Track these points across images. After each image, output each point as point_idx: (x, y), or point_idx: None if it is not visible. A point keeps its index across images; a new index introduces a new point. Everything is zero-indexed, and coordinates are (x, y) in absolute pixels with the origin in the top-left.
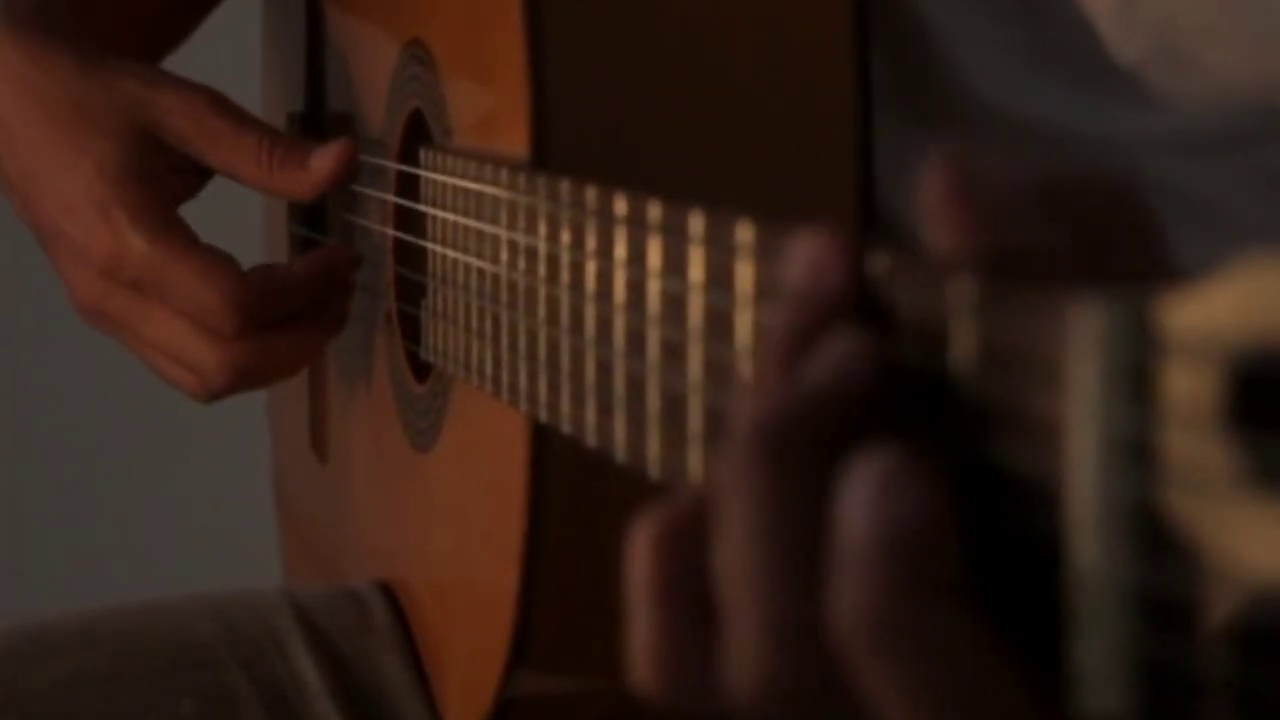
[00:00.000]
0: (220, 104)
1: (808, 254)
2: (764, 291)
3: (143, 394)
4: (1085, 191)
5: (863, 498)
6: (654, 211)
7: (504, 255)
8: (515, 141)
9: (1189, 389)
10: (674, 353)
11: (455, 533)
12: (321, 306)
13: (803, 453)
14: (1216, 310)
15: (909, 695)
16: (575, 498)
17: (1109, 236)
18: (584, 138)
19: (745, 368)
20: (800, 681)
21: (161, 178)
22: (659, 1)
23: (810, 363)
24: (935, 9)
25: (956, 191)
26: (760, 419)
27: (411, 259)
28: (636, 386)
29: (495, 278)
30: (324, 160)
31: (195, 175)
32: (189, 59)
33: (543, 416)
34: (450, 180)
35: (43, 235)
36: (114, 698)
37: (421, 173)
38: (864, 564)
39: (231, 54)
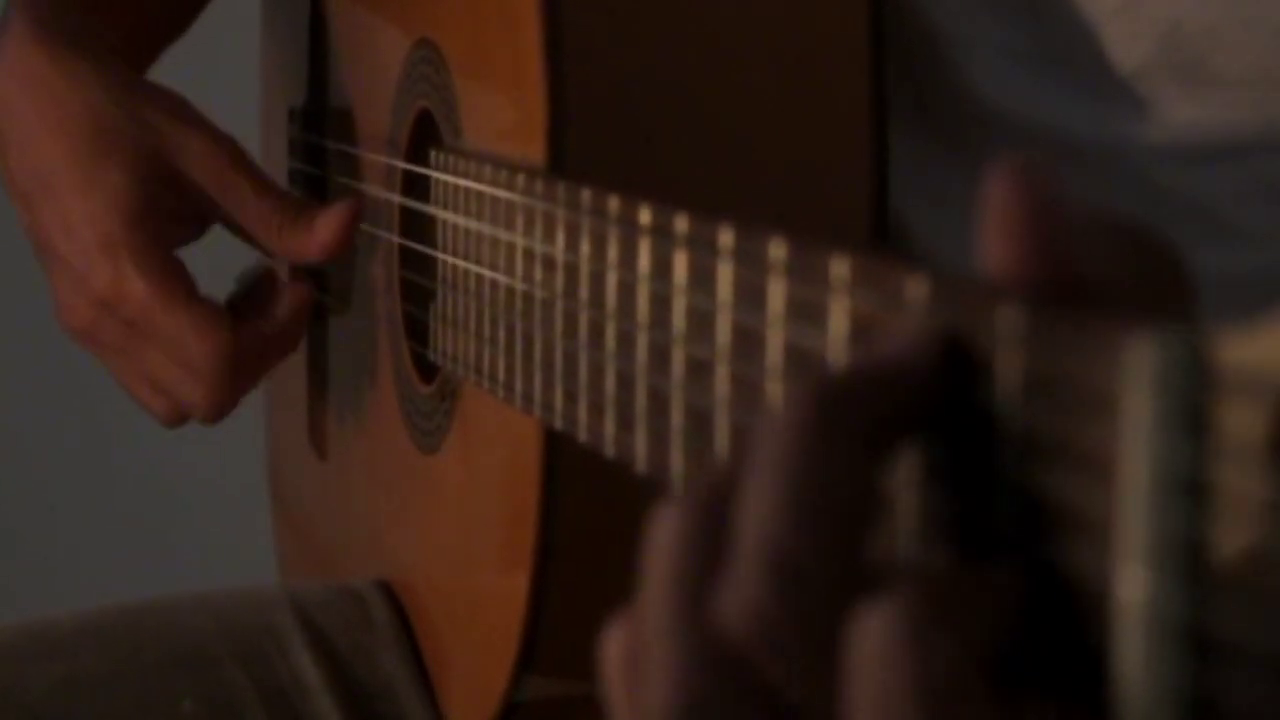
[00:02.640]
0: (243, 159)
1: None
2: (795, 311)
3: None
4: (1145, 238)
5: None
6: (681, 224)
7: (519, 262)
8: (531, 145)
9: (1243, 425)
10: (700, 370)
11: (462, 534)
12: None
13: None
14: (1272, 349)
15: None
16: (587, 501)
17: (1159, 287)
18: (600, 143)
19: (775, 387)
20: (794, 638)
21: (168, 219)
22: (677, 7)
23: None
24: (942, 14)
25: (1023, 210)
26: (819, 386)
27: (417, 259)
28: (659, 402)
29: (509, 287)
30: (328, 226)
31: (199, 223)
32: (188, 54)
33: (558, 424)
34: (462, 182)
35: (39, 246)
36: (113, 697)
37: (431, 173)
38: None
39: (231, 48)
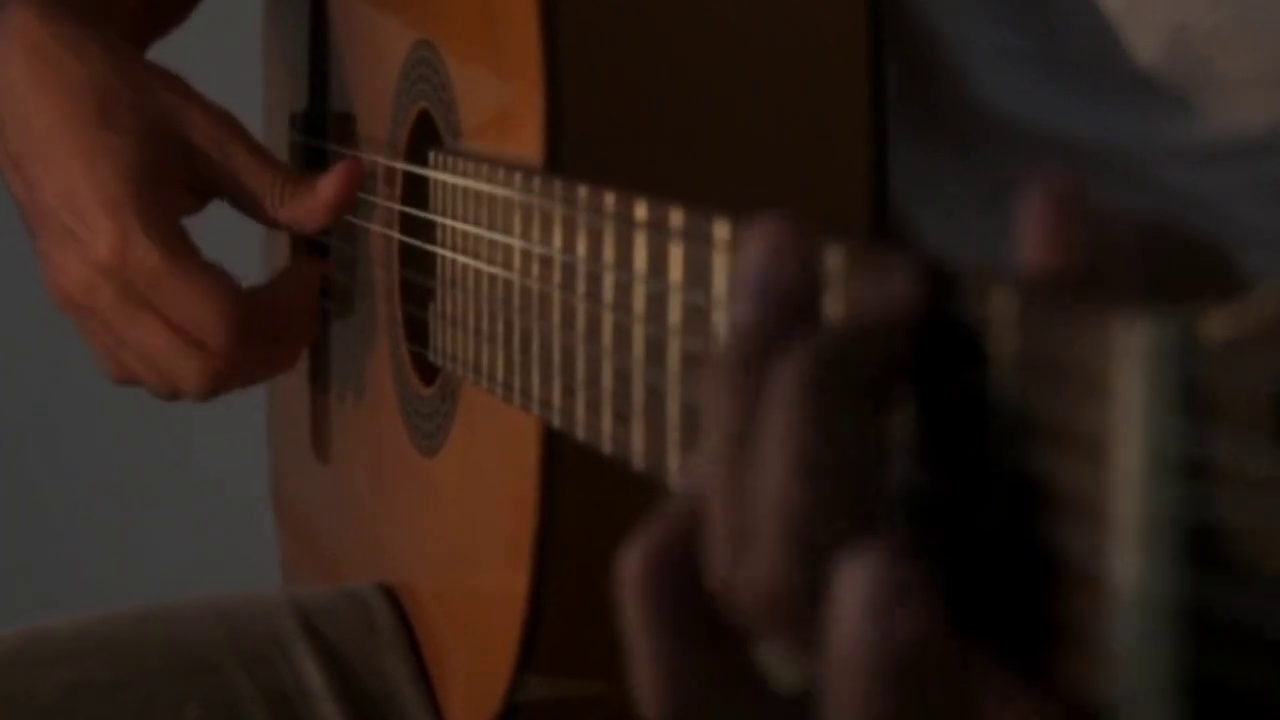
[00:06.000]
0: (243, 131)
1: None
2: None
3: (141, 398)
4: (1173, 232)
5: (857, 613)
6: (676, 218)
7: (516, 260)
8: (528, 144)
9: (1239, 401)
10: (694, 363)
11: (462, 535)
12: (301, 318)
13: (854, 387)
14: (1264, 322)
15: None
16: (586, 501)
17: (1193, 278)
18: (596, 141)
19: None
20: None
21: (173, 186)
22: (673, 4)
23: (862, 301)
24: (944, 15)
25: (1060, 215)
26: (815, 351)
27: (417, 261)
28: (656, 396)
29: (507, 282)
30: (331, 184)
31: (201, 197)
32: (189, 59)
33: (556, 422)
34: (460, 182)
35: (35, 215)
36: (118, 704)
37: (430, 174)
38: (858, 679)
39: (233, 53)
